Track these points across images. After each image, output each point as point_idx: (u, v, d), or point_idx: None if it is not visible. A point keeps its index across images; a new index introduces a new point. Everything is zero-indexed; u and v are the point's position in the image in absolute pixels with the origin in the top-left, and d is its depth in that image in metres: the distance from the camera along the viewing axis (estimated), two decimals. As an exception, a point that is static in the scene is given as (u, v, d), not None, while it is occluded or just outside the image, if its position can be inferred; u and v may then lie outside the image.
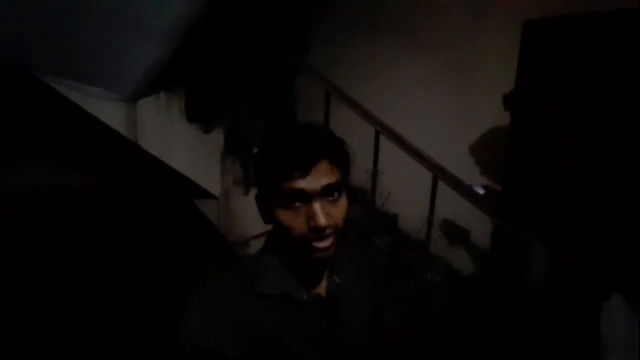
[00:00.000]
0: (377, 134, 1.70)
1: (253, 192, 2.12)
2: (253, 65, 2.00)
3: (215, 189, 2.11)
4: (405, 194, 2.00)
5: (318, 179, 0.63)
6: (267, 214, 0.69)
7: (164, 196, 2.16)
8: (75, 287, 2.06)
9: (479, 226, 1.85)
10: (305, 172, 0.62)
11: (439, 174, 1.61)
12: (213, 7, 1.61)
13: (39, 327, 1.91)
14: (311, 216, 0.63)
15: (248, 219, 2.05)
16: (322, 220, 0.62)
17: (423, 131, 1.87)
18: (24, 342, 1.82)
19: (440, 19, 2.23)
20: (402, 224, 2.08)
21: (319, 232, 0.63)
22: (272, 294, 0.69)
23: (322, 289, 0.74)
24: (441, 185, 1.61)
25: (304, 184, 0.62)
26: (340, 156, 0.68)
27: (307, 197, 0.63)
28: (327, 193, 0.64)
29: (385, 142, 1.71)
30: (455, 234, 2.01)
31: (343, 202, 0.67)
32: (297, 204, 0.64)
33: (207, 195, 2.11)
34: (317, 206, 0.63)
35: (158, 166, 1.92)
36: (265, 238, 0.77)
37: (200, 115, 2.02)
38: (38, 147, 1.77)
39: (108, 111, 1.76)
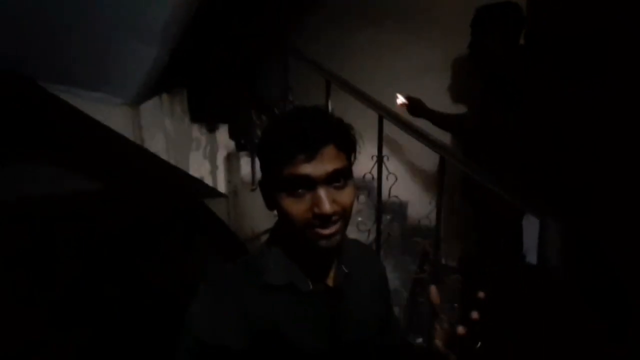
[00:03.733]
0: (380, 119, 1.67)
1: (261, 188, 2.14)
2: (249, 56, 1.99)
3: (223, 187, 2.12)
4: (412, 178, 1.97)
5: (323, 164, 0.60)
6: (270, 200, 0.67)
7: (173, 198, 2.18)
8: (76, 287, 2.09)
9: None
10: (310, 157, 0.60)
11: (446, 155, 1.57)
12: (206, 3, 1.62)
13: (38, 326, 1.94)
14: (316, 203, 0.60)
15: (257, 214, 2.06)
16: (327, 207, 0.60)
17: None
18: (24, 342, 1.85)
19: (439, 4, 2.18)
20: (410, 209, 2.05)
21: (323, 220, 0.61)
22: (275, 284, 0.68)
23: (329, 279, 0.73)
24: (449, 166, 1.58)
25: (308, 168, 0.60)
26: (347, 141, 0.66)
27: (311, 183, 0.61)
28: (332, 179, 0.62)
29: (388, 127, 1.68)
30: (467, 215, 1.97)
31: (349, 189, 0.64)
32: (301, 190, 0.61)
33: (215, 193, 2.13)
34: (322, 192, 0.60)
35: (165, 168, 1.95)
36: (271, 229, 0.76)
37: (203, 114, 2.04)
38: (44, 154, 1.82)
39: (113, 116, 1.79)
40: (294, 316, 0.67)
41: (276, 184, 0.63)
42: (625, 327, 1.32)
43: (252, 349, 0.64)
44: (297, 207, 0.62)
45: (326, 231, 0.62)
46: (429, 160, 1.69)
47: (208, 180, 2.03)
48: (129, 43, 1.59)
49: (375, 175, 1.69)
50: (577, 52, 1.78)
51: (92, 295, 2.04)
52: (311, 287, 0.69)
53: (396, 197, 1.76)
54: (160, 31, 1.60)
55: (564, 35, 1.79)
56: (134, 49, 1.62)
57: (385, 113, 1.66)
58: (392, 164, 1.68)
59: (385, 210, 1.88)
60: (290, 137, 0.61)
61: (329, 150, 0.61)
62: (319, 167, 0.60)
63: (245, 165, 2.08)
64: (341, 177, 0.63)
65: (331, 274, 0.73)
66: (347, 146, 0.66)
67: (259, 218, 2.05)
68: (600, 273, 1.41)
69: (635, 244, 1.47)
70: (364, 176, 1.67)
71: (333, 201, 0.61)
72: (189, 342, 0.64)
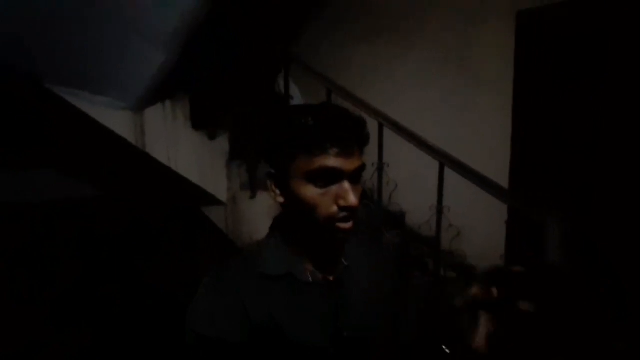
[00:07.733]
0: (380, 127, 1.70)
1: (260, 196, 2.14)
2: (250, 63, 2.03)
3: (222, 194, 2.12)
4: (412, 185, 1.99)
5: (353, 159, 0.61)
6: (286, 191, 0.65)
7: (171, 203, 2.18)
8: (76, 286, 2.06)
9: (490, 213, 1.81)
10: (343, 151, 0.60)
11: (445, 161, 1.59)
12: (215, 11, 1.67)
13: (38, 326, 1.91)
14: (342, 195, 0.61)
15: (256, 222, 2.05)
16: (354, 200, 0.61)
17: (422, 126, 1.87)
18: (24, 342, 1.82)
19: (434, 13, 2.27)
20: (410, 216, 2.05)
21: (349, 212, 0.62)
22: (273, 274, 0.67)
23: (330, 272, 0.72)
24: (448, 173, 1.60)
25: (340, 162, 0.60)
26: (367, 141, 0.67)
27: (339, 177, 0.61)
28: (357, 175, 0.63)
29: (387, 135, 1.71)
30: (466, 222, 1.97)
31: (360, 187, 0.66)
32: (327, 183, 0.62)
33: (214, 201, 2.12)
34: (348, 186, 0.61)
35: (165, 174, 1.95)
36: (272, 222, 0.75)
37: (204, 121, 2.06)
38: (45, 158, 1.82)
39: (116, 120, 1.81)
40: (293, 308, 0.66)
41: (300, 175, 0.62)
42: (623, 324, 1.30)
43: (251, 341, 0.63)
44: (321, 199, 0.61)
45: (346, 225, 0.62)
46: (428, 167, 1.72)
47: (207, 187, 2.03)
48: (138, 47, 1.62)
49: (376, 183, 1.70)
50: (576, 52, 1.82)
51: (92, 295, 2.02)
52: (311, 279, 0.68)
53: (397, 203, 1.76)
54: (169, 37, 1.64)
55: (563, 35, 1.85)
56: (142, 54, 1.66)
57: (385, 120, 1.70)
58: (392, 171, 1.70)
59: (385, 217, 1.88)
60: (324, 129, 0.60)
61: (356, 147, 0.62)
62: (349, 161, 0.60)
63: (244, 172, 2.09)
64: (361, 173, 0.64)
65: (332, 267, 0.72)
66: (365, 144, 0.66)
67: (257, 225, 2.04)
68: (599, 272, 1.40)
69: (635, 243, 1.47)
70: (364, 184, 1.68)
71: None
72: (190, 336, 0.63)
